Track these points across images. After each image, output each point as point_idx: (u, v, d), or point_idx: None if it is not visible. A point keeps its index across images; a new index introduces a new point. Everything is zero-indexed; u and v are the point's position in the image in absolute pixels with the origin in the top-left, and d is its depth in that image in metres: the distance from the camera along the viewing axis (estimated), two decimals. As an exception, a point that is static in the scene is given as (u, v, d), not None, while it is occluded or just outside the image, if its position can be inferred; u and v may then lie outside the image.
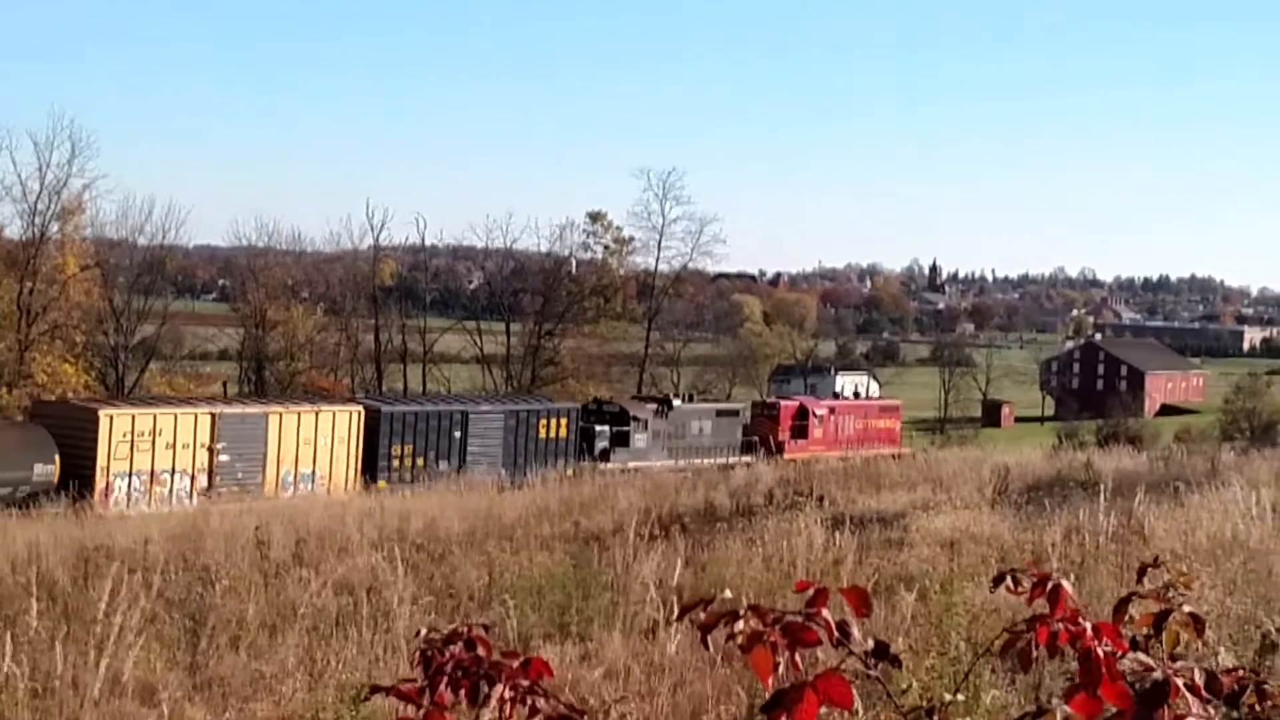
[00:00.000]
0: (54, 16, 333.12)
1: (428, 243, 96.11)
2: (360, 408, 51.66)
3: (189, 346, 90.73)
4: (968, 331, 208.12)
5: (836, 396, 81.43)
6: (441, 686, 3.13)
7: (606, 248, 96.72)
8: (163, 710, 14.34)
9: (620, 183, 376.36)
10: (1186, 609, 3.29)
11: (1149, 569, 3.66)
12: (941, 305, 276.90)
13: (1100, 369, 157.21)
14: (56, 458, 42.92)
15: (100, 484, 43.08)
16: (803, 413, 67.14)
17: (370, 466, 50.01)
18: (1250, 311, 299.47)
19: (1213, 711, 2.95)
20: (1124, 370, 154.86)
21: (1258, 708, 3.04)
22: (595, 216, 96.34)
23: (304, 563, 23.60)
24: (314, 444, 48.80)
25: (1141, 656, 3.03)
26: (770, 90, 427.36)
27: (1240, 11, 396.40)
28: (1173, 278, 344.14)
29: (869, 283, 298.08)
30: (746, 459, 56.41)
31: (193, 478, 45.67)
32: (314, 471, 48.49)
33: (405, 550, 23.42)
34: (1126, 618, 3.31)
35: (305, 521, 29.56)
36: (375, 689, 3.28)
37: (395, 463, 50.88)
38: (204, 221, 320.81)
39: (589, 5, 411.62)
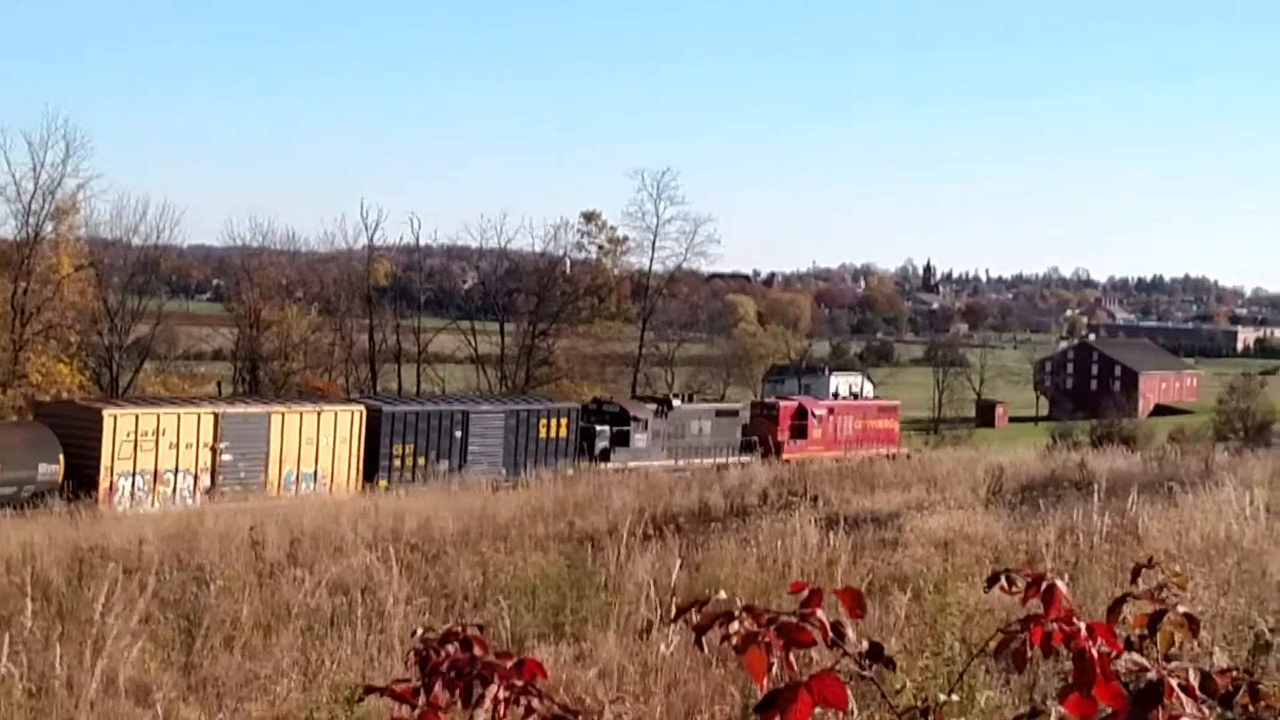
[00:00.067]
0: (47, 16, 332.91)
1: (422, 243, 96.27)
2: (361, 407, 51.92)
3: (183, 346, 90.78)
4: (962, 332, 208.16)
5: (836, 397, 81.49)
6: (437, 687, 3.13)
7: (601, 248, 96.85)
8: (157, 711, 14.33)
9: (615, 183, 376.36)
10: (1181, 609, 3.30)
11: (1143, 569, 3.66)
12: (936, 305, 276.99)
13: (1094, 369, 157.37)
14: (61, 457, 43.08)
15: (104, 483, 43.22)
16: (802, 413, 67.24)
17: (371, 466, 50.27)
18: (1244, 312, 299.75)
19: (1207, 712, 2.96)
20: (1118, 370, 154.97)
21: (1251, 708, 3.05)
22: (590, 216, 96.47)
23: (298, 563, 23.60)
24: (316, 444, 49.02)
25: (1136, 657, 3.04)
26: (764, 91, 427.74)
27: (1236, 12, 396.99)
28: (1166, 278, 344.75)
29: (863, 283, 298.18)
30: (745, 459, 56.56)
31: (196, 477, 45.90)
32: (316, 471, 48.72)
33: (400, 550, 23.42)
34: (1121, 618, 3.31)
35: (300, 521, 29.55)
36: (370, 689, 3.28)
37: (396, 462, 51.08)
38: (198, 221, 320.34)
39: (585, 5, 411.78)
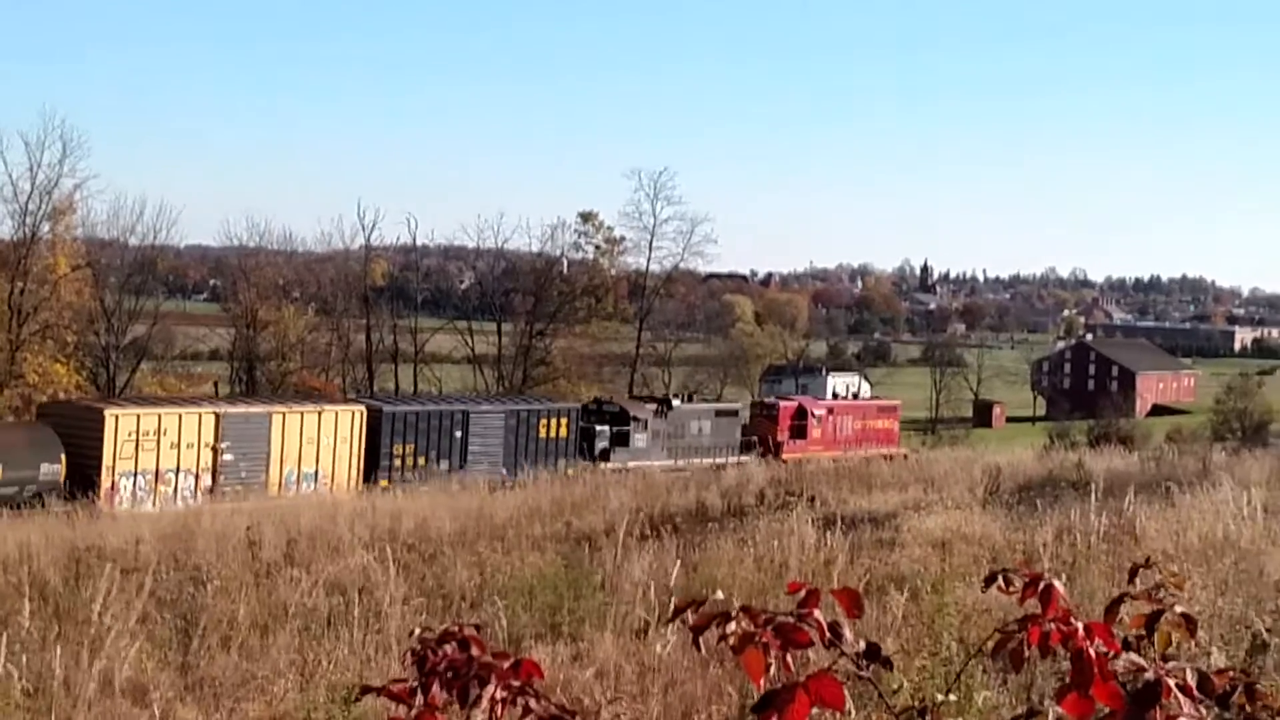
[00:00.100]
0: (44, 16, 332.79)
1: (419, 243, 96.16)
2: (362, 407, 52.11)
3: (180, 347, 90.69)
4: (959, 332, 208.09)
5: (837, 397, 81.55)
6: (434, 687, 3.13)
7: (598, 248, 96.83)
8: (154, 711, 14.33)
9: (612, 183, 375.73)
10: (1179, 609, 3.30)
11: (1141, 569, 3.66)
12: (933, 305, 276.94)
13: (1091, 369, 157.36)
14: (63, 457, 43.17)
15: (106, 483, 43.32)
16: (801, 413, 67.32)
17: (372, 466, 50.40)
18: (1241, 312, 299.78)
19: (1204, 712, 2.96)
20: (1115, 370, 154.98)
21: (1248, 708, 3.05)
22: (587, 216, 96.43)
23: (295, 563, 23.61)
24: (317, 443, 49.17)
25: (1133, 657, 3.04)
26: (761, 91, 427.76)
27: (1234, 12, 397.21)
28: (1164, 278, 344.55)
29: (860, 283, 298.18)
30: (745, 459, 56.69)
31: (197, 477, 46.05)
32: (316, 471, 48.83)
33: (396, 550, 23.42)
34: (1118, 618, 3.31)
35: (297, 522, 29.56)
36: (366, 689, 3.28)
37: (397, 462, 51.20)
38: (195, 221, 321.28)
39: (582, 5, 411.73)
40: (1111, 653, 2.99)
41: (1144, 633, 3.27)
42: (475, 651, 3.18)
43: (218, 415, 47.43)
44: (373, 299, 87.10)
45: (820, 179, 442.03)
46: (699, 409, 65.27)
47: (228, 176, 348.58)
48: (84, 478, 42.68)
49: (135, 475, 44.82)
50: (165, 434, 45.66)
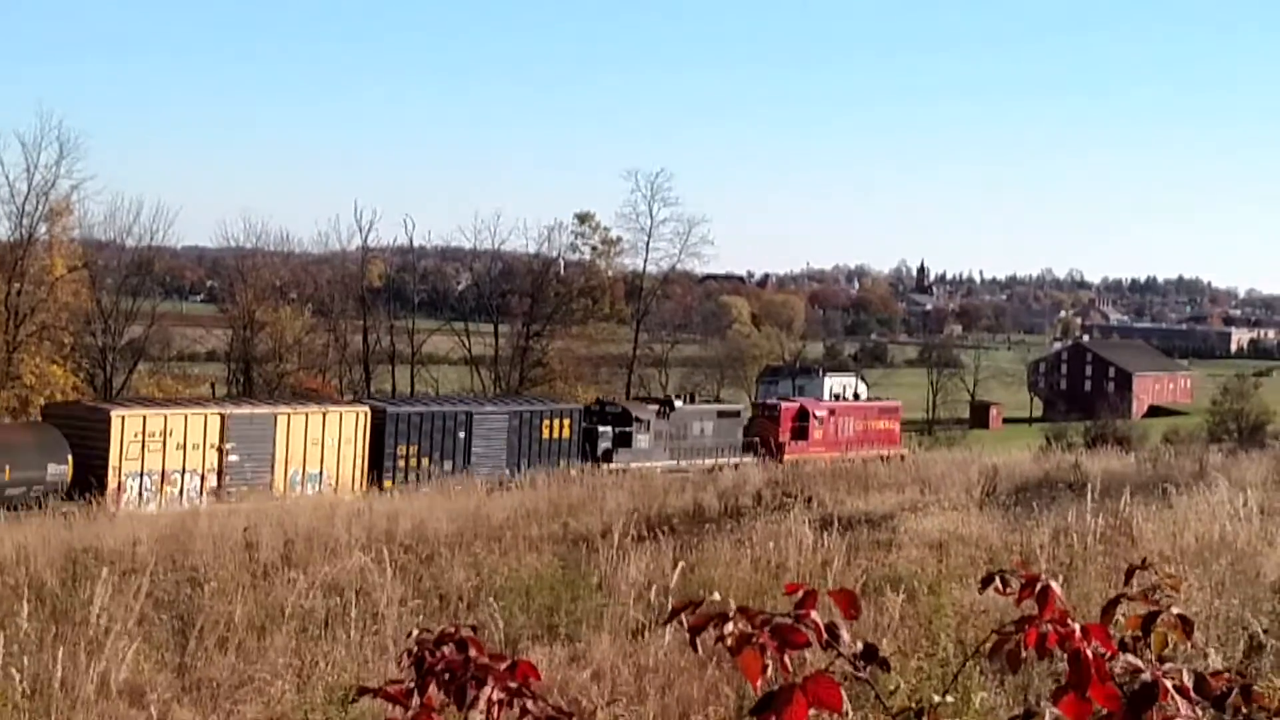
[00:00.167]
0: (41, 17, 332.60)
1: (416, 244, 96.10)
2: (366, 408, 52.48)
3: (177, 348, 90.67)
4: (955, 333, 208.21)
5: (839, 398, 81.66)
6: (431, 689, 3.13)
7: (594, 249, 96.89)
8: (151, 712, 14.33)
9: (609, 184, 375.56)
10: (1175, 611, 3.30)
11: (1137, 571, 3.66)
12: (929, 306, 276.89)
13: (1088, 370, 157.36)
14: (69, 458, 43.33)
15: (112, 484, 43.48)
16: (803, 414, 67.52)
17: (376, 467, 50.55)
18: (1238, 313, 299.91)
19: (1200, 713, 2.96)
20: (1112, 371, 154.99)
21: (1244, 709, 3.05)
22: (583, 218, 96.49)
23: (292, 564, 23.61)
24: (321, 444, 49.40)
25: (1130, 658, 3.04)
26: (759, 93, 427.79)
27: (1232, 14, 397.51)
28: (1160, 279, 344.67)
29: (857, 284, 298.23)
30: (747, 459, 56.88)
31: (203, 478, 46.27)
32: (321, 472, 48.99)
33: (394, 552, 23.42)
34: (1114, 619, 3.31)
35: (294, 523, 29.56)
36: (363, 690, 3.28)
37: (401, 463, 51.36)
38: (192, 223, 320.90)
39: (579, 7, 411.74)
40: (1108, 654, 2.99)
41: (1140, 634, 3.27)
42: (472, 653, 3.18)
43: (223, 416, 47.64)
44: (370, 300, 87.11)
45: (817, 180, 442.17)
46: (701, 410, 65.47)
47: (225, 177, 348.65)
48: (91, 478, 42.83)
49: (141, 476, 45.07)
50: (171, 435, 45.92)
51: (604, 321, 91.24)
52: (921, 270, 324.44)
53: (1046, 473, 38.18)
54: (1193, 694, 2.96)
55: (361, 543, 26.08)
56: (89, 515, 35.09)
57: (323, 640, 17.10)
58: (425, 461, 51.65)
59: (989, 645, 3.13)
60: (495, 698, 3.08)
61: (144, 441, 45.13)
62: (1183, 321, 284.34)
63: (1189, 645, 3.37)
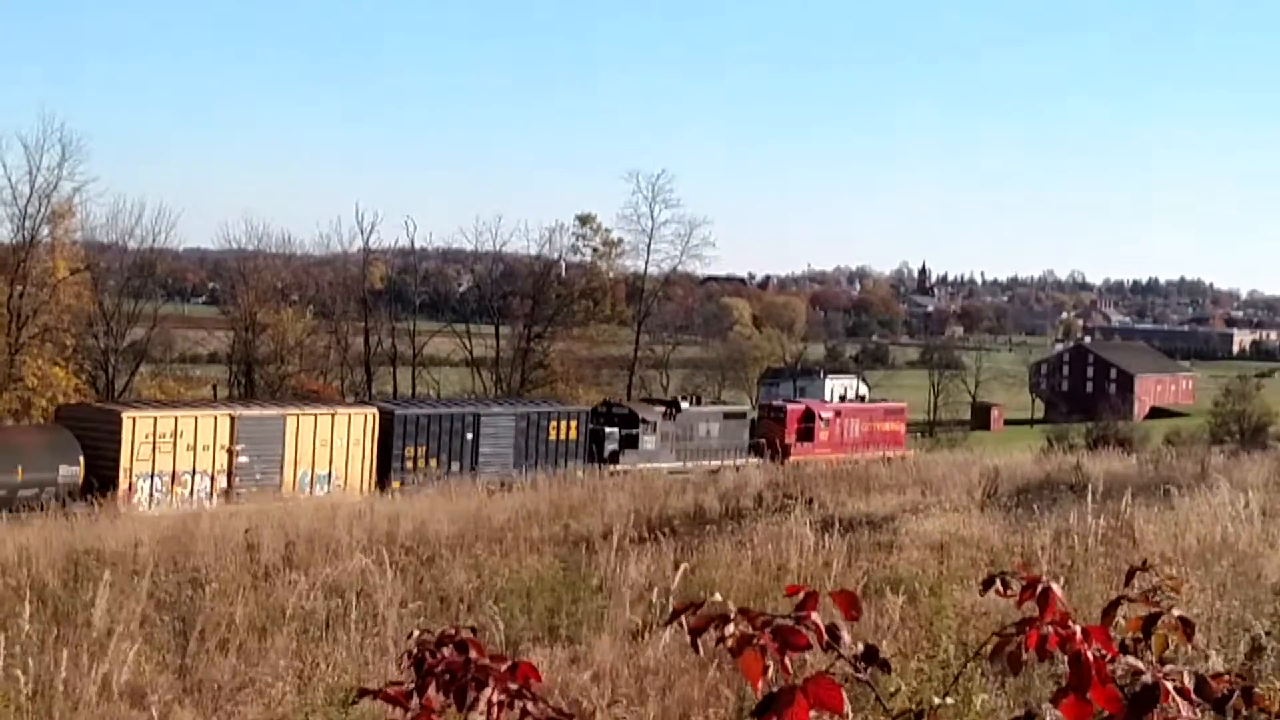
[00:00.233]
0: (43, 20, 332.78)
1: (417, 245, 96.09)
2: (374, 410, 52.77)
3: (179, 350, 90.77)
4: (957, 334, 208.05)
5: (844, 399, 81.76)
6: (431, 690, 3.13)
7: (595, 250, 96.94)
8: (152, 714, 14.32)
9: (610, 186, 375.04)
10: (1176, 612, 3.30)
11: (1138, 572, 3.66)
12: (931, 308, 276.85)
13: (1089, 372, 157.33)
14: (81, 459, 43.48)
15: (123, 485, 43.67)
16: (809, 416, 67.69)
17: (384, 468, 50.67)
18: (1239, 314, 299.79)
19: (1201, 715, 2.96)
20: (1113, 373, 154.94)
21: (1245, 711, 3.05)
22: (584, 219, 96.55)
23: (294, 566, 23.61)
24: (330, 446, 49.69)
25: (1131, 660, 3.04)
26: (760, 93, 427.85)
27: (1232, 16, 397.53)
28: (1162, 280, 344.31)
29: (858, 285, 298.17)
30: (753, 461, 57.02)
31: (213, 479, 46.47)
32: (330, 473, 49.14)
33: (395, 553, 23.42)
34: (1115, 621, 3.31)
35: (295, 524, 29.57)
36: (364, 692, 3.27)
37: (409, 464, 51.54)
38: (194, 225, 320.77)
39: (580, 8, 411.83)
40: (1109, 656, 2.99)
41: (1141, 636, 3.27)
42: (472, 654, 3.18)
43: (233, 418, 47.84)
44: (371, 302, 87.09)
45: (818, 182, 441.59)
46: (707, 411, 65.64)
47: (226, 180, 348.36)
48: (102, 480, 43.16)
49: (152, 477, 45.35)
50: (181, 436, 46.18)
51: (605, 323, 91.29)
52: (923, 272, 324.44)
53: (1048, 474, 38.15)
54: (1194, 696, 2.96)
55: (362, 544, 26.08)
56: (98, 516, 35.19)
57: (323, 642, 17.10)
58: (433, 463, 51.84)
59: (990, 647, 3.13)
60: (495, 699, 3.08)
61: (154, 443, 45.41)
62: (1184, 323, 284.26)
63: (1190, 647, 3.36)
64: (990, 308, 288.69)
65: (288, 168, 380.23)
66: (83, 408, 51.36)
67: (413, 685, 3.15)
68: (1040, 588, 3.11)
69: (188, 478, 45.98)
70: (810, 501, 31.25)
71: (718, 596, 3.10)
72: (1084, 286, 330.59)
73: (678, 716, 13.47)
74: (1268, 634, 12.88)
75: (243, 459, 47.29)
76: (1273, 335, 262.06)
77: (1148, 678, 2.94)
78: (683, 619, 3.05)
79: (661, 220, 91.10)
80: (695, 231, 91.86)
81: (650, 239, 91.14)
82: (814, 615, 2.99)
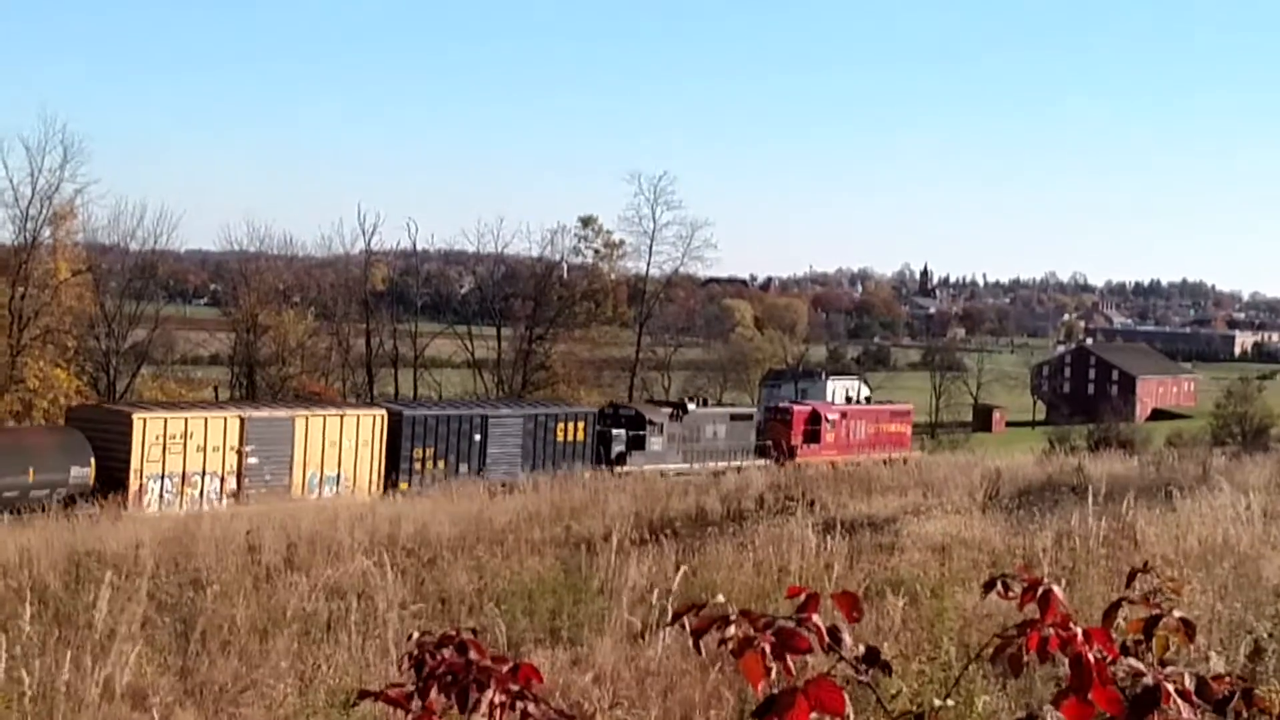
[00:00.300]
0: (45, 21, 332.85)
1: (419, 247, 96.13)
2: (383, 411, 52.91)
3: (180, 351, 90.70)
4: (959, 336, 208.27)
5: (850, 401, 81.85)
6: (432, 692, 3.12)
7: (597, 252, 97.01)
8: (154, 715, 14.33)
9: (611, 187, 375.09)
10: (1176, 614, 3.30)
11: (1139, 574, 3.66)
12: (932, 310, 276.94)
13: (1091, 373, 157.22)
14: (92, 460, 43.67)
15: (133, 486, 43.80)
16: (815, 417, 67.77)
17: (393, 469, 50.81)
18: (1241, 316, 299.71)
19: (1202, 716, 2.96)
20: (1115, 375, 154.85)
21: (1245, 713, 3.05)
22: (586, 221, 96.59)
23: (295, 567, 23.62)
24: (339, 447, 49.87)
25: (1132, 662, 3.04)
26: (761, 95, 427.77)
27: (1232, 16, 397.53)
28: (1164, 282, 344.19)
29: (860, 287, 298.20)
30: (760, 462, 57.12)
31: (222, 480, 46.56)
32: (339, 474, 49.24)
33: (396, 555, 23.43)
34: (1115, 623, 3.31)
35: (296, 526, 29.57)
36: (364, 694, 3.27)
37: (417, 465, 51.62)
38: (196, 226, 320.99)
39: (582, 9, 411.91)
40: (1110, 658, 2.99)
41: (1142, 638, 3.27)
42: (474, 655, 3.18)
43: (242, 419, 48.01)
44: (373, 303, 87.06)
45: (820, 183, 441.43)
46: (714, 413, 65.72)
47: (228, 181, 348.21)
48: (112, 481, 43.33)
49: (163, 478, 45.52)
50: (191, 437, 46.35)
51: (607, 325, 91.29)
52: (925, 273, 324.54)
53: (1049, 476, 38.15)
54: (1194, 698, 2.96)
55: (364, 546, 26.09)
56: (99, 517, 35.24)
57: (324, 643, 17.10)
58: (441, 464, 51.95)
59: (991, 649, 3.13)
60: (497, 700, 3.08)
61: (165, 444, 45.60)
62: (1186, 325, 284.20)
63: (1191, 649, 3.37)
64: (992, 309, 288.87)
65: (289, 169, 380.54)
66: (93, 409, 51.66)
67: (414, 687, 3.15)
68: (1041, 590, 3.11)
69: (197, 479, 46.19)
70: (812, 503, 31.26)
71: (719, 598, 3.11)
72: (1086, 288, 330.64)
73: (679, 718, 13.47)
74: (1269, 635, 12.88)
75: (252, 460, 47.45)
76: (1275, 337, 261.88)
77: (1149, 679, 2.94)
78: (685, 620, 3.05)
79: (663, 222, 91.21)
80: (697, 233, 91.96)
81: (652, 240, 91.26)
82: (815, 617, 2.99)
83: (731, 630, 2.95)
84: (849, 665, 3.02)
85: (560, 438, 56.74)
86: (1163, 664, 3.14)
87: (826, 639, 2.98)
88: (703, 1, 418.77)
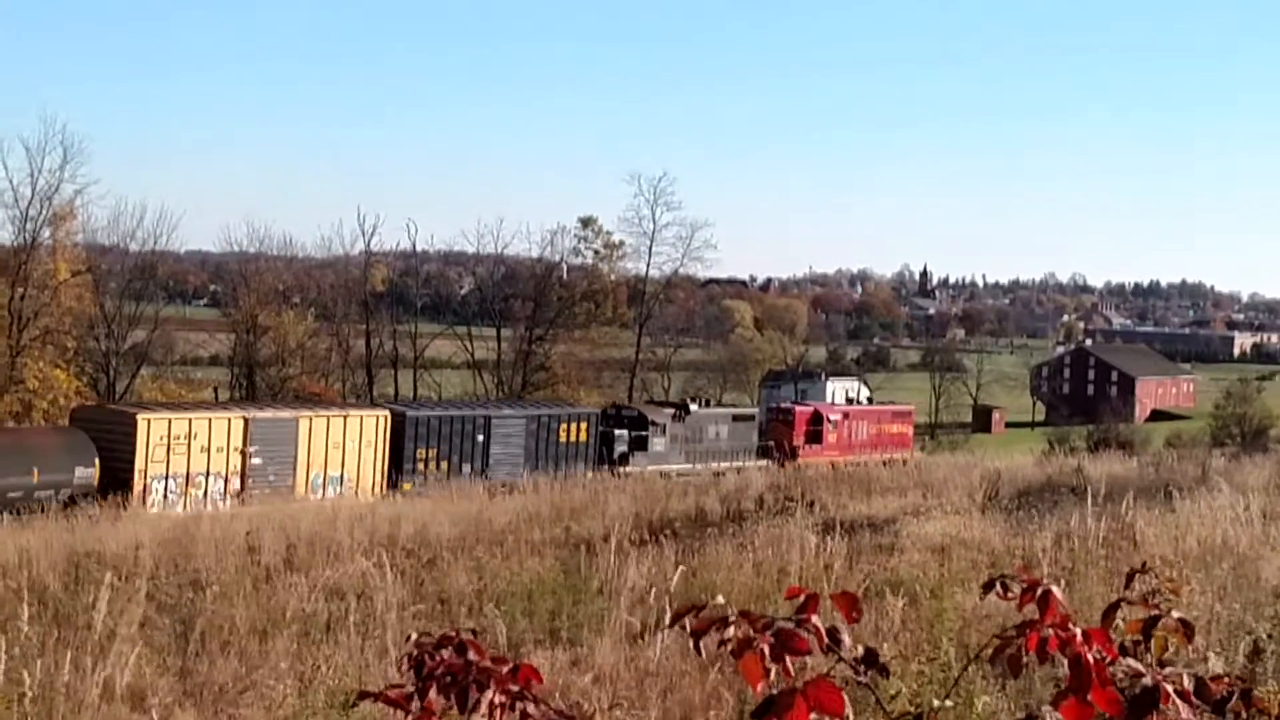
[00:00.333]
0: (45, 22, 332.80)
1: (419, 248, 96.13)
2: (386, 412, 52.99)
3: (180, 352, 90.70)
4: (958, 337, 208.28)
5: (851, 402, 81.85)
6: (431, 692, 3.13)
7: (597, 253, 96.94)
8: (153, 716, 14.33)
9: (611, 188, 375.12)
10: (1175, 615, 3.30)
11: (1138, 574, 3.66)
12: (932, 310, 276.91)
13: (1091, 374, 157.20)
14: (96, 461, 43.74)
15: (138, 486, 43.89)
16: (817, 418, 67.82)
17: (396, 470, 50.96)
18: (1241, 317, 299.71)
19: (1200, 717, 2.96)
20: (1114, 376, 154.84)
21: (1243, 714, 3.05)
22: (586, 222, 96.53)
23: (294, 568, 23.62)
24: (342, 448, 49.98)
25: (1131, 662, 3.04)
26: (761, 96, 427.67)
27: (1232, 18, 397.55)
28: (1163, 283, 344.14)
29: (860, 288, 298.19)
30: (762, 463, 57.20)
31: (226, 480, 46.66)
32: (342, 475, 49.30)
33: (395, 556, 23.43)
34: (1115, 623, 3.31)
35: (296, 527, 29.57)
36: (364, 694, 3.27)
37: (420, 466, 51.68)
38: (196, 227, 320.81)
39: (580, 11, 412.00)
40: (1109, 658, 2.99)
41: (1141, 638, 3.27)
42: (473, 656, 3.18)
43: (246, 420, 48.06)
44: (372, 304, 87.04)
45: (819, 184, 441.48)
46: (716, 413, 65.75)
47: (228, 182, 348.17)
48: (117, 481, 43.35)
49: (167, 479, 45.55)
50: (195, 438, 46.43)
51: (606, 326, 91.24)
52: (924, 274, 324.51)
53: (1049, 477, 38.17)
54: (1193, 698, 2.97)
55: (363, 547, 26.09)
56: (99, 518, 35.25)
57: (324, 644, 17.10)
58: (445, 465, 52.01)
59: (990, 650, 3.13)
60: (497, 701, 3.08)
61: (169, 444, 45.66)
62: (1185, 326, 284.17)
63: (1189, 649, 3.37)
64: (991, 310, 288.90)
65: (289, 170, 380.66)
66: (98, 410, 51.79)
67: (414, 688, 3.15)
68: (1041, 590, 3.12)
69: (201, 479, 46.25)
70: (811, 504, 31.27)
71: (719, 599, 3.11)
72: (1085, 289, 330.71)
73: (678, 719, 13.47)
74: (1268, 636, 12.89)
75: (255, 461, 47.53)
76: (1274, 338, 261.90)
77: (1148, 680, 2.94)
78: (685, 622, 3.05)
79: (663, 223, 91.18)
80: (696, 234, 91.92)
81: (651, 241, 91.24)
82: (814, 618, 2.99)
83: (731, 631, 2.96)
84: (848, 666, 3.03)
85: (563, 438, 56.82)
86: (1161, 665, 3.14)
87: (826, 640, 2.98)
88: (702, 3, 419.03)
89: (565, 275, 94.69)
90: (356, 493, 47.43)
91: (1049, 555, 20.27)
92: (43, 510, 37.74)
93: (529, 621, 18.58)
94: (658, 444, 59.68)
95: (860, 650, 3.05)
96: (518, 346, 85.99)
